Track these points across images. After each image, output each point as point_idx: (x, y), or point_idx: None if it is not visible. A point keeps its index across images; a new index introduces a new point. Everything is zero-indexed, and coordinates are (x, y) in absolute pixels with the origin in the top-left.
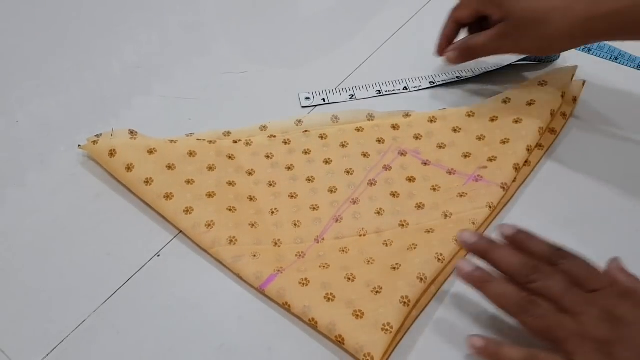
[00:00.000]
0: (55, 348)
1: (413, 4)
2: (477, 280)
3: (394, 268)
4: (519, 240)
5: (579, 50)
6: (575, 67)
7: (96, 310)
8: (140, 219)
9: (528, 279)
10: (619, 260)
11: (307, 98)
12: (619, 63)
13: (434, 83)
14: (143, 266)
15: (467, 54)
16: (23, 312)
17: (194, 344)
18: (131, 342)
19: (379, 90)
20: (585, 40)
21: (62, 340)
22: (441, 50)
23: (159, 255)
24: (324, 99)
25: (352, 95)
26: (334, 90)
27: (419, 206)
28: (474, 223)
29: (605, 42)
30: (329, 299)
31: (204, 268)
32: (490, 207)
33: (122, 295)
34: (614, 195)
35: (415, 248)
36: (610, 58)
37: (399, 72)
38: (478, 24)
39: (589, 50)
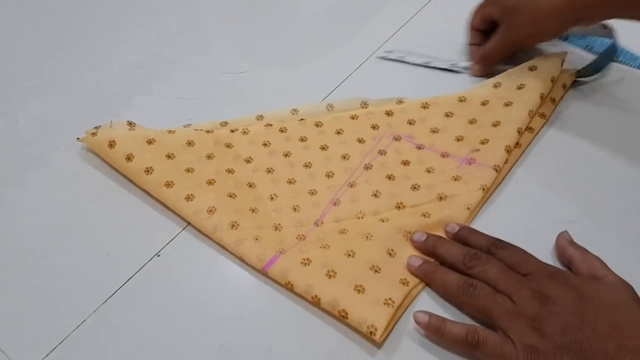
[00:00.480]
0: (55, 348)
1: (413, 3)
2: (423, 272)
3: (390, 254)
4: (462, 236)
5: (581, 48)
6: (565, 54)
7: (96, 310)
8: (140, 218)
9: (468, 265)
10: (566, 234)
11: (387, 51)
12: (621, 62)
13: None
14: (143, 266)
15: (487, 62)
16: (23, 312)
17: (194, 344)
18: (131, 342)
19: (455, 64)
20: (575, 18)
21: (62, 340)
22: (475, 57)
23: (159, 255)
24: (400, 58)
25: (429, 63)
26: (414, 54)
27: (415, 187)
28: (468, 208)
29: (608, 39)
30: (330, 275)
31: (204, 268)
32: (483, 189)
33: (122, 295)
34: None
35: (410, 235)
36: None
37: (399, 72)
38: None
39: (591, 48)
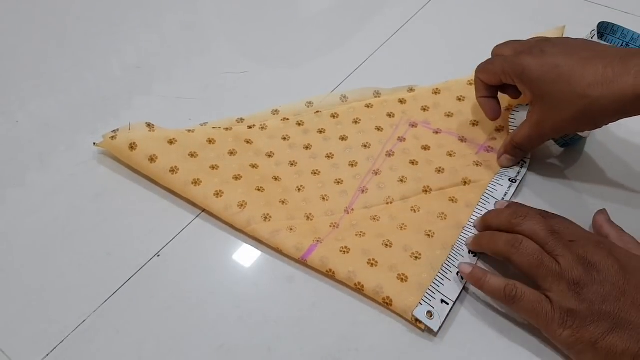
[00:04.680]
0: (55, 348)
1: (413, 3)
2: (474, 278)
3: (429, 235)
4: (512, 208)
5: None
6: (564, 27)
7: (96, 310)
8: (140, 219)
9: (514, 222)
10: (604, 212)
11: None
12: None
13: None
14: (143, 266)
15: (518, 153)
16: (23, 312)
17: (194, 344)
18: (131, 342)
19: None
20: (638, 113)
21: (62, 340)
22: (493, 113)
23: (159, 255)
24: None
25: None
26: None
27: (439, 170)
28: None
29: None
30: (372, 264)
31: (204, 268)
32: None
33: (122, 295)
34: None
35: (445, 218)
36: (622, 44)
37: (400, 72)
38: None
39: (601, 36)
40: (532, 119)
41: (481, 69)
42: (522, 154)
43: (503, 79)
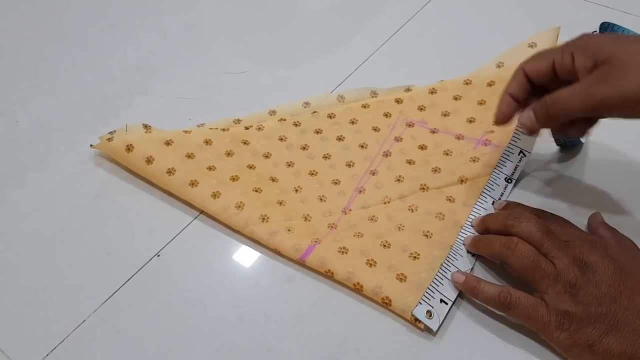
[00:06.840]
0: (55, 348)
1: (412, 4)
2: (468, 286)
3: (427, 236)
4: (509, 208)
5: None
6: (559, 28)
7: (96, 310)
8: (140, 219)
9: (509, 224)
10: (599, 215)
11: None
12: None
13: None
14: (143, 266)
15: (549, 113)
16: (23, 312)
17: (194, 344)
18: (131, 342)
19: None
20: None
21: (62, 340)
22: (502, 117)
23: (159, 255)
24: None
25: None
26: None
27: (436, 170)
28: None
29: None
30: (370, 264)
31: (203, 268)
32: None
33: (122, 295)
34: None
35: (443, 218)
36: None
37: (399, 73)
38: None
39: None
40: (589, 79)
41: (530, 59)
42: (551, 117)
43: (562, 55)
